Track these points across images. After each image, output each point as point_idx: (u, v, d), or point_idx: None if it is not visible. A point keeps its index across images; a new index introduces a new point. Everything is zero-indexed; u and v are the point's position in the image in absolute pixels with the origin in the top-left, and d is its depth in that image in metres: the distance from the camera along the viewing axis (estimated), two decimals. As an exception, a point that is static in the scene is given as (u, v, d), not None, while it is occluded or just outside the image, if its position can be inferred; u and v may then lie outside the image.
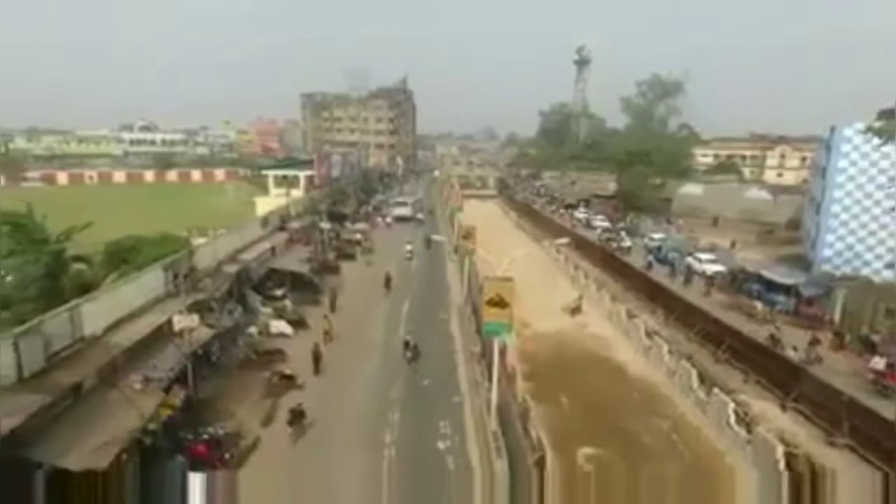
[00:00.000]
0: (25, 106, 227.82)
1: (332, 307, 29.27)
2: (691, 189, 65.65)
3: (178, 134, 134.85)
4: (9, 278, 21.60)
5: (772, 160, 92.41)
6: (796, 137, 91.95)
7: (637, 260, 39.70)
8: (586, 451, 18.04)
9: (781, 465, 15.92)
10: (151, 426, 15.43)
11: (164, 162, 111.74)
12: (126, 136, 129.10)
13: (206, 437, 15.90)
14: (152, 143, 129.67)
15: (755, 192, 62.15)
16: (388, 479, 15.38)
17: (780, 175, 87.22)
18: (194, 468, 14.94)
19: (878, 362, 20.37)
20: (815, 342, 22.33)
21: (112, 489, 13.36)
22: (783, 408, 19.58)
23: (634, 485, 15.46)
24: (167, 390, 16.72)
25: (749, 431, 17.73)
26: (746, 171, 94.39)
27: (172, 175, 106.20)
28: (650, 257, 39.10)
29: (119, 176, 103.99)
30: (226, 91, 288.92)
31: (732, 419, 18.53)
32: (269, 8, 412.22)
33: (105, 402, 14.68)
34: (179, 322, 18.53)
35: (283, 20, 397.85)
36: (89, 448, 12.79)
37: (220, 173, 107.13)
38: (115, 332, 17.28)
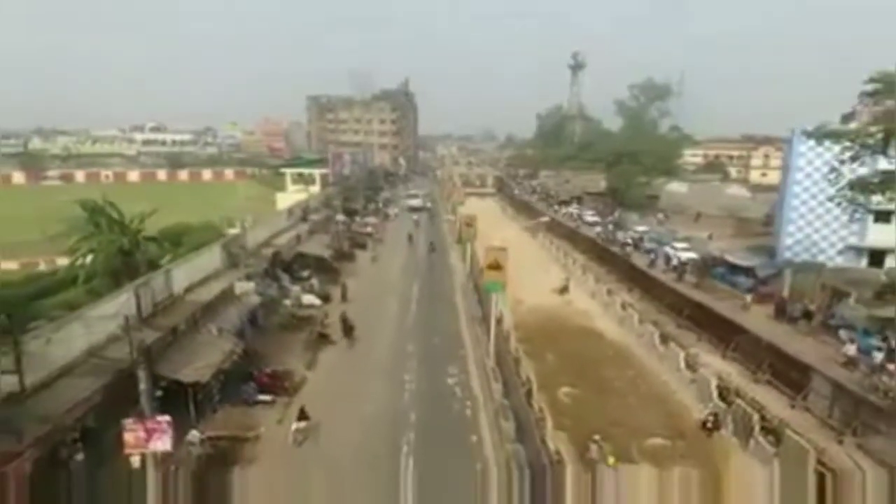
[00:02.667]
0: (29, 106, 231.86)
1: (344, 297, 31.15)
2: (677, 187, 70.30)
3: (187, 134, 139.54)
4: (90, 257, 26.21)
5: (756, 160, 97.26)
6: (786, 138, 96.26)
7: (640, 258, 41.03)
8: (565, 389, 22.62)
9: (715, 395, 20.57)
10: (225, 364, 20.05)
11: (175, 162, 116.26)
12: (138, 136, 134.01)
13: (269, 371, 20.46)
14: (163, 143, 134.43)
15: (735, 190, 66.89)
16: (411, 403, 19.98)
17: (763, 175, 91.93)
18: (261, 392, 19.66)
19: (850, 348, 22.35)
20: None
21: (209, 396, 18.13)
22: (724, 356, 24.25)
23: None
24: (232, 340, 21.33)
25: (694, 373, 22.38)
26: (733, 171, 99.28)
27: (184, 174, 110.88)
28: (652, 255, 40.51)
29: (133, 175, 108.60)
30: (227, 92, 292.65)
31: (683, 365, 23.16)
32: (270, 11, 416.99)
33: (194, 341, 19.29)
34: (240, 288, 23.16)
35: (284, 22, 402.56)
36: (193, 368, 17.42)
37: (229, 172, 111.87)
38: (193, 293, 21.86)
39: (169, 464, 14.47)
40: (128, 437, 12.23)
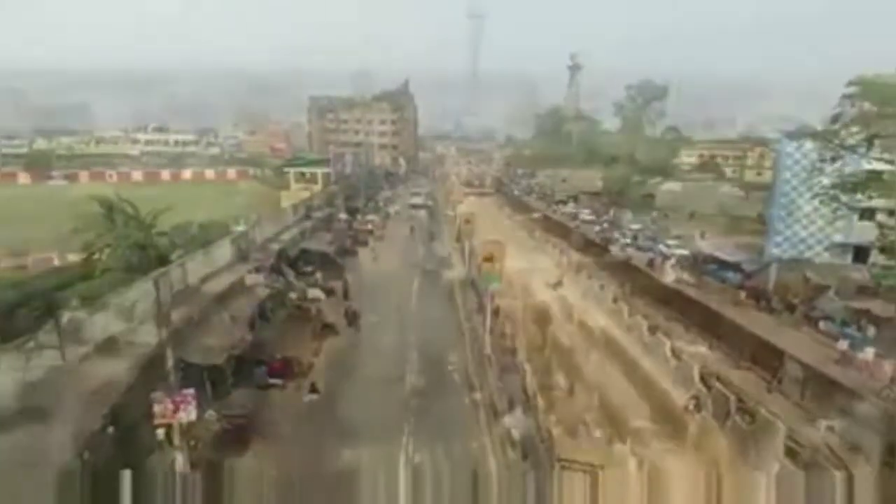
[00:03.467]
0: (32, 106, 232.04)
1: (346, 296, 31.54)
2: (672, 186, 71.70)
3: (189, 135, 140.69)
4: (107, 251, 27.54)
5: (752, 160, 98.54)
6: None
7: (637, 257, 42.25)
8: (558, 376, 23.95)
9: (697, 380, 21.89)
10: (238, 350, 21.34)
11: (178, 162, 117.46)
12: (141, 136, 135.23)
13: (279, 357, 21.76)
14: (165, 143, 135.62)
15: (728, 189, 68.25)
16: (412, 389, 21.26)
17: (758, 174, 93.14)
18: (272, 376, 20.94)
19: (843, 344, 23.17)
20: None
21: (223, 378, 19.39)
22: (710, 346, 25.59)
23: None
24: (243, 328, 22.62)
25: (679, 361, 23.70)
26: (729, 171, 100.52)
27: (187, 174, 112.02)
28: (651, 254, 41.71)
29: (137, 175, 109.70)
30: (228, 92, 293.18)
31: (668, 354, 24.48)
32: (273, 11, 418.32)
33: (210, 328, 20.56)
34: (251, 280, 24.44)
35: (285, 23, 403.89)
36: (209, 351, 18.71)
37: (231, 172, 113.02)
38: (206, 284, 23.17)
39: (188, 439, 15.81)
40: (157, 408, 13.52)
